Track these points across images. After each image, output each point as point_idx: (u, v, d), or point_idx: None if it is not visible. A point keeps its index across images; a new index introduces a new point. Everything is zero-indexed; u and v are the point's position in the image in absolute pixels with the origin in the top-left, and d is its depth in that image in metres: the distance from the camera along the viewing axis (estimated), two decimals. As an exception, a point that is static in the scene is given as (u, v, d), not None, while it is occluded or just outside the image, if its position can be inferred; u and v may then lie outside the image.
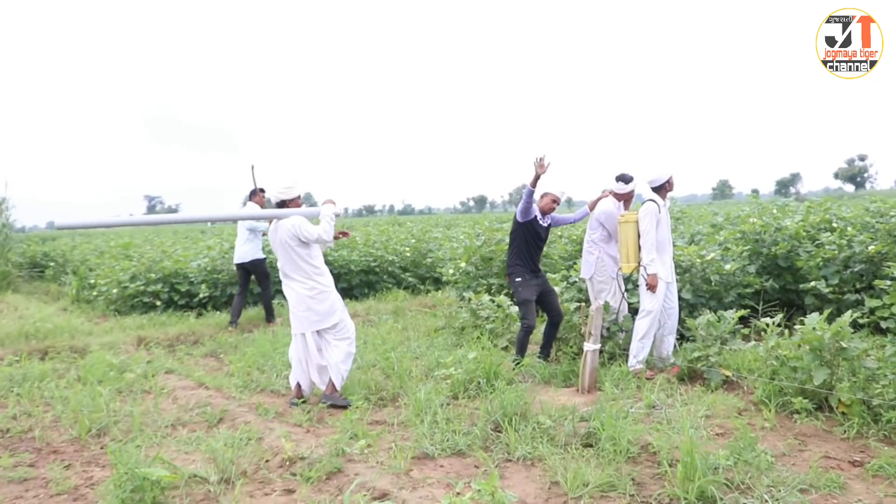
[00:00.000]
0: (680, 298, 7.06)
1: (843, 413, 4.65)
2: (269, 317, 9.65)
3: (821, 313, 7.14)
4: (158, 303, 10.73)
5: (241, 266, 9.47)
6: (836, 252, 6.93)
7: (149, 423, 5.20)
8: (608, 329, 6.52)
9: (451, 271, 9.14)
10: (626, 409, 5.02)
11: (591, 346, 5.74)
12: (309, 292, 5.52)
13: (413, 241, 13.04)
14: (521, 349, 6.39)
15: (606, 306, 6.49)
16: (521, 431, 4.63)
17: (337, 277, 11.72)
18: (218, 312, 10.31)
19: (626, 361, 6.18)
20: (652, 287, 5.98)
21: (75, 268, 14.50)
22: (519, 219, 6.36)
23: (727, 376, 5.57)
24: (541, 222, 6.41)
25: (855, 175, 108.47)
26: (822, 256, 7.00)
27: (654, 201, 6.08)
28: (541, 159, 5.93)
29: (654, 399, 5.22)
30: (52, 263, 17.53)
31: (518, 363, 6.31)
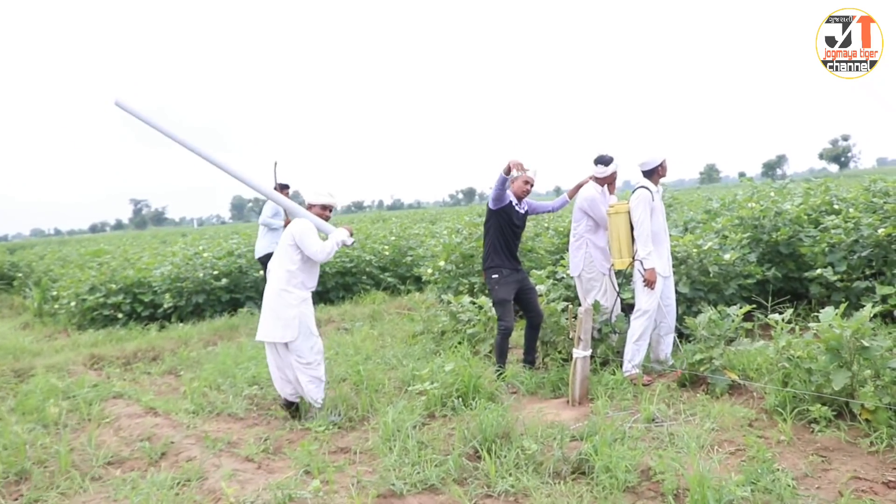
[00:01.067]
0: (676, 292, 6.49)
1: (867, 420, 4.08)
2: None
3: (828, 303, 6.74)
4: (120, 315, 10.05)
5: (260, 261, 9.62)
6: (843, 236, 6.36)
7: (80, 462, 4.56)
8: (599, 331, 5.93)
9: (429, 271, 8.52)
10: (622, 427, 4.43)
11: (580, 353, 5.14)
12: (278, 298, 5.08)
13: (393, 238, 12.40)
14: (501, 356, 5.78)
15: (597, 305, 5.90)
16: (503, 459, 4.03)
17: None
18: (181, 324, 9.63)
19: (621, 366, 5.59)
20: (650, 283, 5.39)
21: (38, 279, 13.78)
22: (492, 206, 5.73)
23: (733, 380, 4.99)
24: (517, 208, 5.79)
25: (839, 155, 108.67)
26: (827, 242, 6.44)
27: (645, 188, 5.48)
28: (518, 164, 5.37)
29: (653, 411, 4.63)
30: (19, 274, 16.78)
31: (501, 373, 5.71)
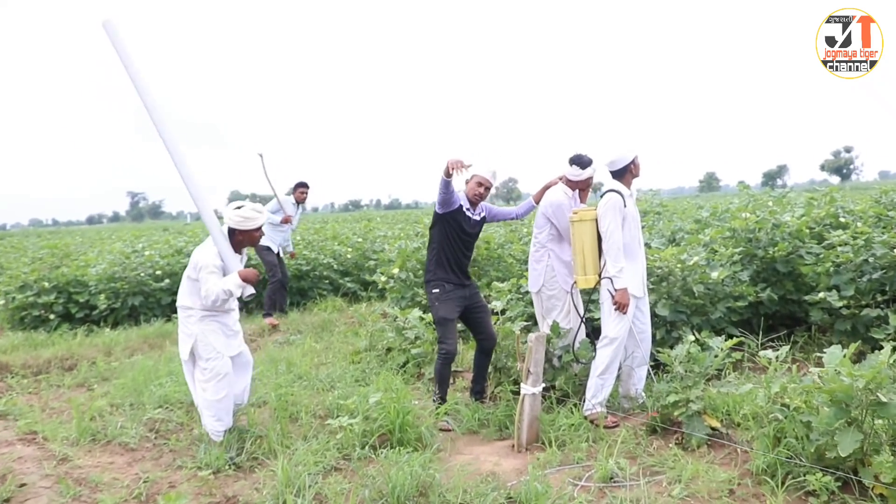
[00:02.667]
0: (654, 315, 5.56)
1: (881, 496, 3.17)
2: (268, 311, 8.97)
3: (831, 332, 5.82)
4: (52, 316, 9.10)
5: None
6: (851, 255, 5.44)
7: None
8: (560, 359, 5.02)
9: (383, 278, 7.58)
10: (571, 485, 3.52)
11: (529, 389, 4.23)
12: (180, 312, 4.58)
13: (359, 240, 11.44)
14: (441, 384, 4.87)
15: (556, 328, 4.98)
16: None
17: (263, 284, 10.17)
18: (108, 330, 8.66)
19: (582, 403, 4.69)
20: (622, 307, 4.48)
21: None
22: (438, 210, 4.82)
23: (714, 429, 4.08)
24: (469, 214, 4.88)
25: (841, 167, 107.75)
26: (832, 260, 5.52)
27: (616, 192, 4.57)
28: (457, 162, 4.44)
29: (611, 467, 3.72)
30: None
31: (439, 406, 4.80)
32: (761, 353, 3.92)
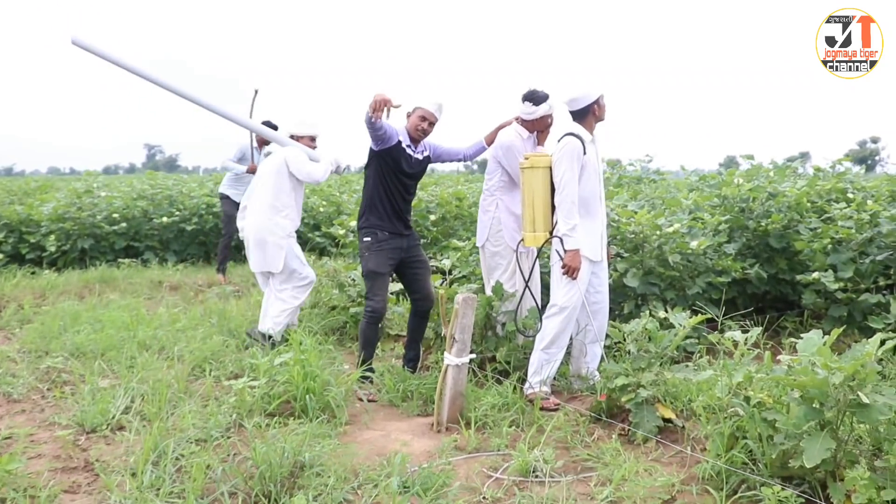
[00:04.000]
0: (622, 286, 4.90)
1: (853, 516, 2.52)
2: (220, 267, 8.13)
3: (824, 318, 5.15)
4: (1, 256, 8.55)
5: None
6: (853, 232, 4.72)
7: None
8: (503, 326, 4.39)
9: (340, 231, 6.93)
10: (485, 476, 2.92)
11: (453, 360, 3.59)
12: (265, 231, 5.03)
13: (334, 193, 10.77)
14: (366, 346, 4.25)
15: (498, 289, 4.34)
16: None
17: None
18: (46, 272, 8.06)
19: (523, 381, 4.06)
20: (571, 270, 3.82)
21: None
22: (373, 146, 4.17)
23: (668, 421, 3.44)
24: (410, 152, 4.22)
25: (866, 157, 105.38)
26: (831, 236, 4.80)
27: (575, 135, 3.88)
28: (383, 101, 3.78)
29: (534, 458, 3.09)
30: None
31: (365, 373, 4.19)
32: (728, 333, 3.26)
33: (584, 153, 3.85)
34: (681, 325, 3.54)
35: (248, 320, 5.97)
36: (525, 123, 4.39)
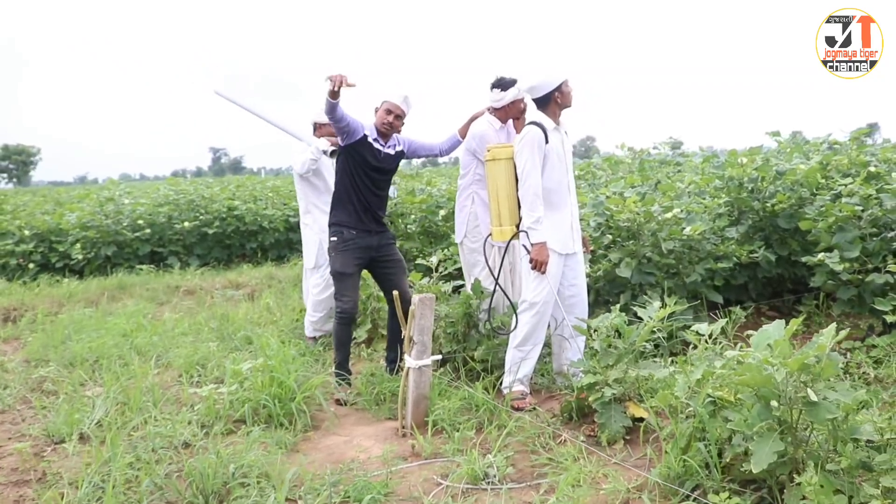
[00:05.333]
0: (615, 277, 4.70)
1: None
2: None
3: (832, 302, 4.83)
4: (31, 265, 8.84)
5: None
6: (858, 209, 4.39)
7: None
8: (484, 324, 4.25)
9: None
10: (431, 484, 2.81)
11: (413, 362, 3.48)
12: (302, 228, 5.47)
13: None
14: (338, 348, 4.18)
15: (477, 288, 4.21)
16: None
17: (250, 236, 9.68)
18: (67, 280, 8.27)
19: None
20: (538, 264, 3.66)
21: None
22: (341, 141, 4.08)
23: (640, 420, 3.25)
24: (378, 146, 4.11)
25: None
26: (835, 214, 4.47)
27: (537, 125, 3.70)
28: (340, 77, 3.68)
29: (487, 464, 2.96)
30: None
31: (340, 376, 4.13)
32: (695, 325, 3.05)
33: (547, 142, 3.66)
34: (651, 317, 3.33)
35: (253, 323, 6.00)
36: (497, 112, 4.23)
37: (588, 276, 4.68)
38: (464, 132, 4.38)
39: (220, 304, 6.85)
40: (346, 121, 3.92)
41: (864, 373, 3.72)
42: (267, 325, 5.93)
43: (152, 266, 8.73)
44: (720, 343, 3.15)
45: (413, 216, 6.95)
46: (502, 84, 4.12)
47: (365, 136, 4.06)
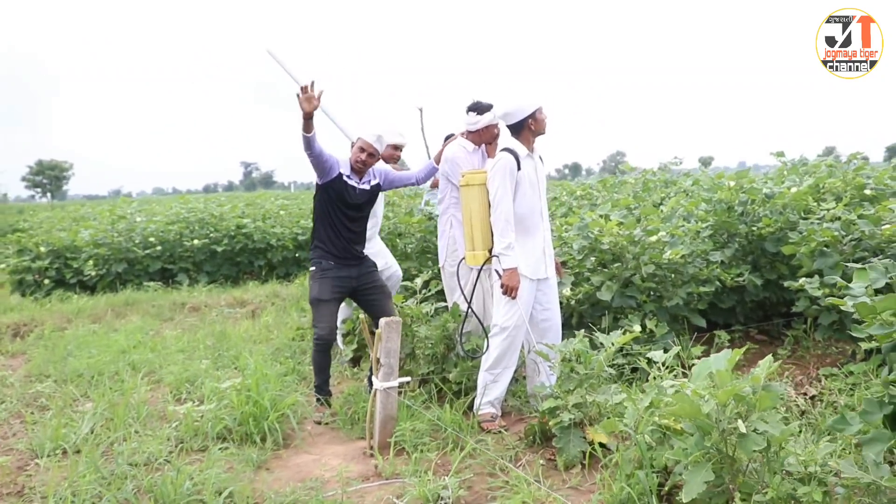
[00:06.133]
0: (597, 301, 4.74)
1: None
2: None
3: (815, 327, 4.80)
4: (47, 281, 9.11)
5: None
6: (837, 234, 4.38)
7: None
8: (462, 346, 4.31)
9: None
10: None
11: (380, 384, 3.56)
12: None
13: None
14: (318, 372, 4.28)
15: (455, 311, 4.28)
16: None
17: (258, 253, 9.86)
18: (77, 296, 8.51)
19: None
20: (508, 290, 3.72)
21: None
22: (318, 179, 4.20)
23: (601, 446, 3.27)
24: (352, 183, 4.21)
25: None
26: (816, 239, 4.47)
27: (509, 151, 3.78)
28: (305, 88, 3.76)
29: (442, 485, 3.02)
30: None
31: (321, 398, 4.24)
32: (650, 353, 3.08)
33: (519, 169, 3.74)
34: (612, 343, 3.37)
35: (250, 340, 6.13)
36: (471, 136, 4.32)
37: (568, 299, 4.74)
38: (439, 159, 4.47)
39: (221, 322, 6.99)
40: (324, 157, 4.03)
41: (833, 402, 3.70)
42: (263, 343, 6.05)
43: (161, 283, 8.94)
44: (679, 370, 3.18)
45: (411, 236, 7.04)
46: (478, 108, 4.21)
47: (340, 175, 4.17)
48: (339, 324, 5.10)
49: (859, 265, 4.36)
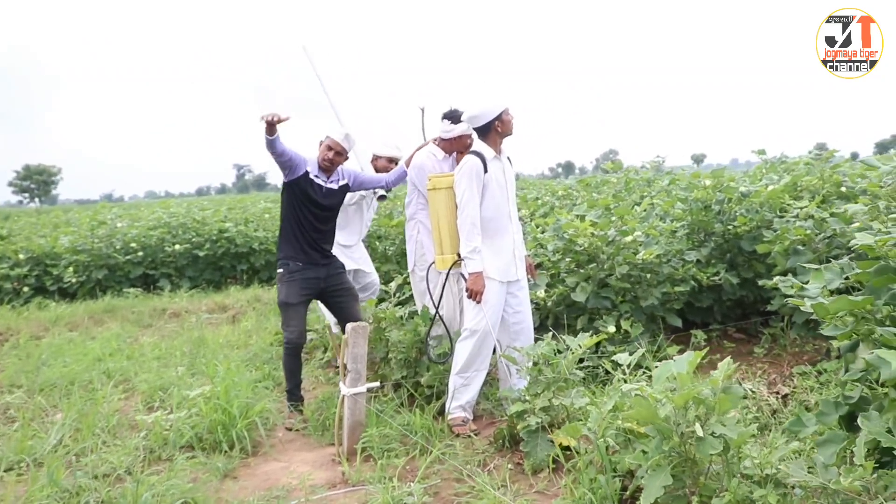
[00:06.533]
0: (572, 303, 4.71)
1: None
2: None
3: (792, 327, 4.79)
4: (26, 289, 9.01)
5: None
6: (812, 232, 4.37)
7: None
8: (433, 349, 4.28)
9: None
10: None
11: (347, 390, 3.53)
12: None
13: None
14: (289, 377, 4.23)
15: (425, 315, 4.25)
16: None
17: (241, 257, 9.80)
18: (55, 303, 8.43)
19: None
20: (474, 293, 3.70)
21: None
22: (284, 176, 4.17)
23: (568, 449, 3.25)
24: (320, 182, 4.18)
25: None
26: (789, 238, 4.46)
27: (476, 154, 3.75)
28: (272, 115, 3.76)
29: (407, 492, 2.99)
30: None
31: (292, 404, 4.20)
32: (616, 356, 3.05)
33: (486, 171, 3.71)
34: (579, 345, 3.34)
35: (228, 346, 6.07)
36: (443, 144, 4.30)
37: (543, 300, 4.71)
38: (409, 162, 4.44)
39: (199, 328, 6.93)
40: (287, 155, 3.99)
41: (803, 400, 3.68)
42: (241, 349, 6.00)
43: (143, 289, 8.87)
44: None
45: (391, 239, 7.02)
46: (454, 116, 4.19)
47: (307, 173, 4.13)
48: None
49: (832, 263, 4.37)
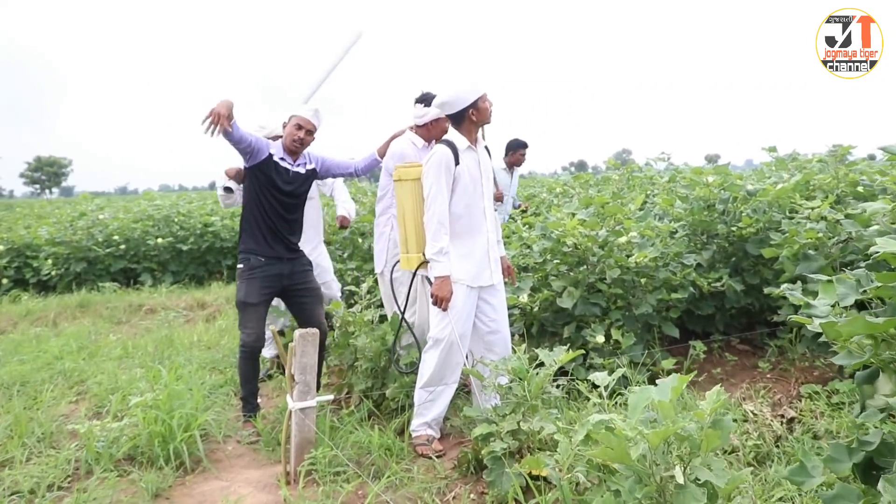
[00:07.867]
0: (558, 309, 4.31)
1: None
2: None
3: (800, 339, 4.37)
4: (6, 281, 8.71)
5: None
6: (824, 235, 3.94)
7: None
8: (397, 359, 3.89)
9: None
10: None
11: (294, 404, 3.14)
12: None
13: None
14: (244, 383, 3.86)
15: (395, 321, 3.86)
16: None
17: (226, 252, 9.45)
18: (27, 296, 8.10)
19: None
20: (439, 300, 3.29)
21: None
22: (245, 162, 3.79)
23: (537, 478, 2.85)
24: (285, 165, 3.80)
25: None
26: (799, 241, 4.03)
27: (447, 144, 3.34)
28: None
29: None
30: None
31: (247, 414, 3.82)
32: (593, 375, 2.65)
33: (458, 163, 3.31)
34: (555, 360, 2.93)
35: (198, 346, 5.72)
36: (420, 130, 3.90)
37: (528, 306, 4.31)
38: (383, 151, 4.05)
39: (174, 325, 6.58)
40: (246, 141, 3.62)
41: (811, 427, 3.26)
42: (212, 349, 5.65)
43: (123, 283, 8.53)
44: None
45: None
46: (426, 99, 3.80)
47: (270, 156, 3.75)
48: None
49: (846, 270, 3.93)
